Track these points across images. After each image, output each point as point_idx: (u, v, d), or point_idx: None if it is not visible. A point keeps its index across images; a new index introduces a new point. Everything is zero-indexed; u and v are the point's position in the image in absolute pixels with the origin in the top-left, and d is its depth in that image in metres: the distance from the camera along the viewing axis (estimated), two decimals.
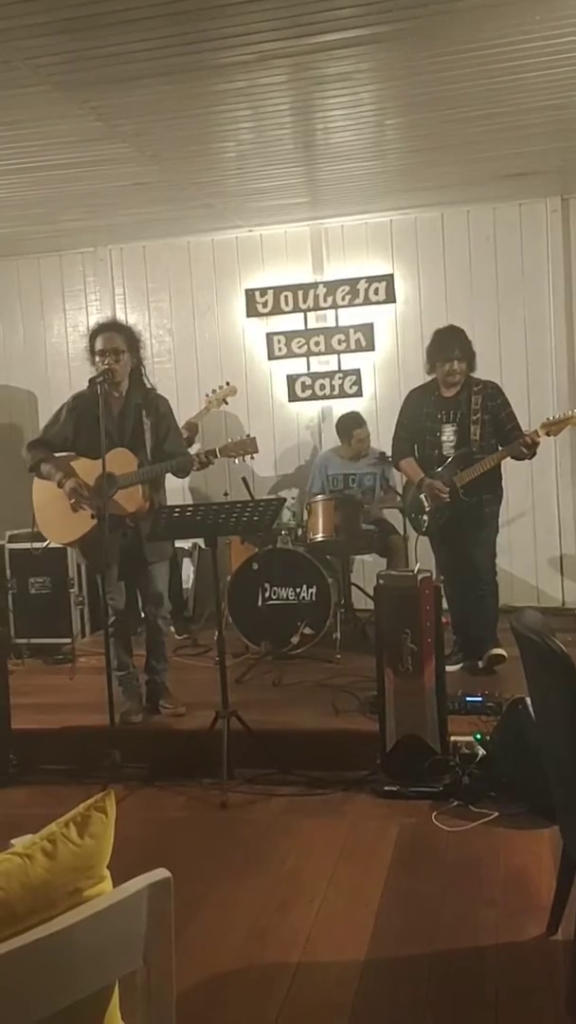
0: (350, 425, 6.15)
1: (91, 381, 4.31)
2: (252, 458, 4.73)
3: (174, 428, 4.65)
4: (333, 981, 2.64)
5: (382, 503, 5.99)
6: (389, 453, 5.38)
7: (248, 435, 4.79)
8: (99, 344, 4.42)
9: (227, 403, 6.12)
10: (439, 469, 4.93)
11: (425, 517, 5.04)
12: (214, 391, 6.01)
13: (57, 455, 4.55)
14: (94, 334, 4.49)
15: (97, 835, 1.47)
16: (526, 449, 4.74)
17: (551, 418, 4.84)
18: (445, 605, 5.15)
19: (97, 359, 4.41)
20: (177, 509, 4.31)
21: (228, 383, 6.11)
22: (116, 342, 4.41)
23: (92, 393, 4.30)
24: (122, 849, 1.58)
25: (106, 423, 4.27)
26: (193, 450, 5.16)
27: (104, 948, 1.42)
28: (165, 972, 1.51)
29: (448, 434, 4.95)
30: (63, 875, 1.42)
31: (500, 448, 4.86)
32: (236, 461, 4.79)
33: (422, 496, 5.00)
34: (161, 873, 1.50)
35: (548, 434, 4.79)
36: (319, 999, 2.57)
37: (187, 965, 2.58)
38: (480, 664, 4.97)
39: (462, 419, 4.91)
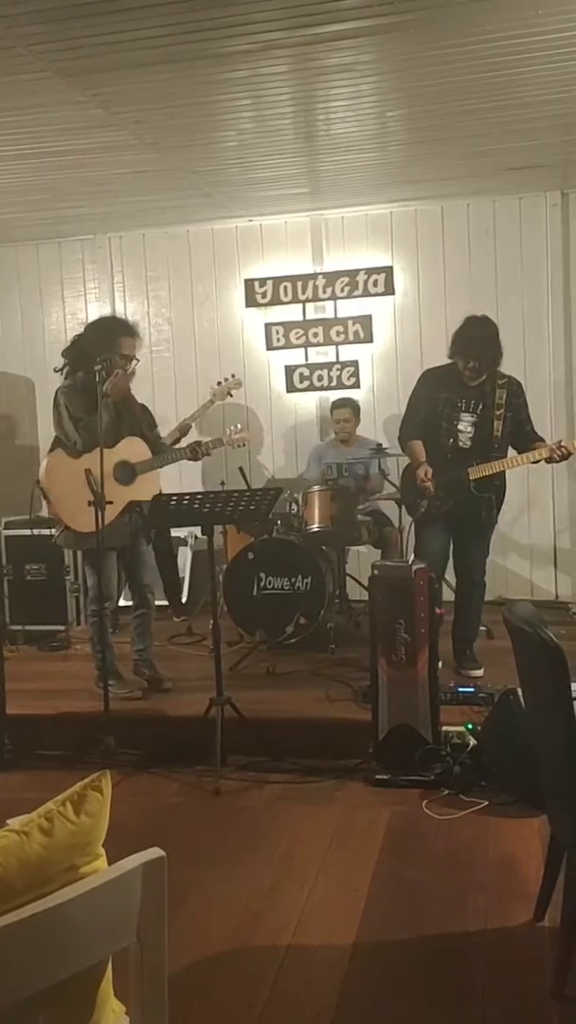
0: (332, 407, 6.34)
1: (95, 371, 4.32)
2: (244, 444, 5.24)
3: (152, 418, 4.92)
4: (323, 964, 2.67)
5: (379, 489, 5.98)
6: (390, 439, 5.36)
7: (238, 425, 5.19)
8: (130, 349, 4.59)
9: (232, 396, 5.74)
10: (451, 458, 4.76)
11: (424, 502, 4.83)
12: (219, 383, 5.64)
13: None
14: (125, 333, 4.61)
15: (93, 813, 1.50)
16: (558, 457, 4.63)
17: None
18: (449, 596, 5.14)
19: (121, 360, 4.55)
20: (175, 497, 4.34)
21: (233, 375, 5.72)
22: (138, 347, 4.67)
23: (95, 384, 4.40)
24: (115, 834, 1.61)
25: (110, 415, 4.49)
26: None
27: (99, 924, 1.45)
28: (158, 948, 1.54)
29: (466, 425, 4.75)
30: (60, 852, 1.44)
31: (516, 450, 4.75)
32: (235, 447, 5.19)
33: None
34: (155, 852, 1.53)
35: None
36: (309, 981, 2.60)
37: (179, 947, 2.61)
38: (457, 662, 4.93)
39: (484, 412, 4.73)
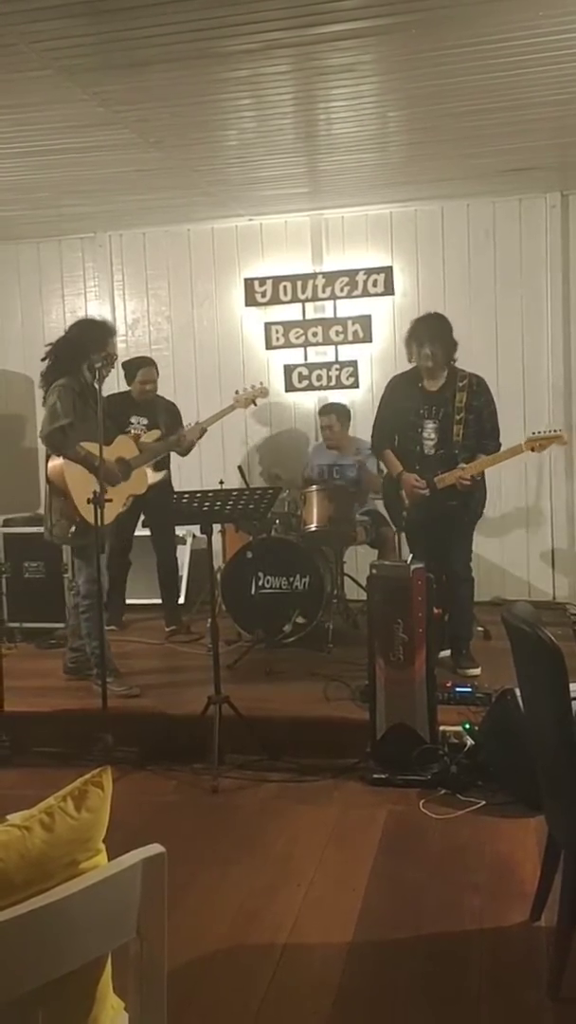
0: (319, 412, 6.36)
1: (92, 368, 4.44)
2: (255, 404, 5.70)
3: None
4: (319, 963, 2.68)
5: (375, 489, 5.96)
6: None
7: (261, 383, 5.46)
8: (114, 349, 4.78)
9: (256, 404, 5.95)
10: (419, 468, 4.82)
11: (404, 512, 4.94)
12: (245, 390, 5.79)
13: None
14: (112, 334, 4.80)
15: (94, 809, 1.50)
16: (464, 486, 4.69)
17: (537, 433, 4.78)
18: None
19: (107, 358, 4.64)
20: (174, 495, 4.37)
21: (261, 383, 5.86)
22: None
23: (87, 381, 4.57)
24: (112, 832, 1.61)
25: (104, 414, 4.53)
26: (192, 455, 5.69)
27: (99, 919, 1.45)
28: (158, 944, 1.54)
29: (429, 431, 4.81)
30: (60, 847, 1.45)
31: (480, 453, 4.77)
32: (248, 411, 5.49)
33: (402, 492, 4.91)
34: (156, 848, 1.53)
35: (532, 450, 4.71)
36: (305, 980, 2.61)
37: (176, 946, 2.59)
38: (454, 661, 4.94)
39: (445, 418, 4.78)
